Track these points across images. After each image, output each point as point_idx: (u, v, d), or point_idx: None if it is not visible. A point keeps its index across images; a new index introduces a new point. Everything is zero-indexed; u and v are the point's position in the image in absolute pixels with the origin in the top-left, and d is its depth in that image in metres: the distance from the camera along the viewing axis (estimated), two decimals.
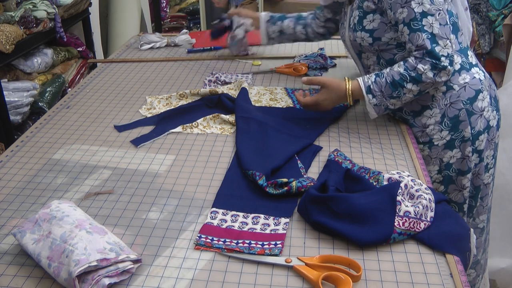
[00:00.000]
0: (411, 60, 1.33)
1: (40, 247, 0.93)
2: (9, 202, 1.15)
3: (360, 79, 1.39)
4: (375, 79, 1.37)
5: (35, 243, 0.94)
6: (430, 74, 1.31)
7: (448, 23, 1.33)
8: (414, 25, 1.31)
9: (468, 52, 1.47)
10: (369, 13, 1.41)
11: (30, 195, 1.18)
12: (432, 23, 1.30)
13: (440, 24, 1.31)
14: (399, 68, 1.35)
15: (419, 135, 1.48)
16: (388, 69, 1.37)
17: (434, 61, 1.31)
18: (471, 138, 1.44)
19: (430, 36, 1.31)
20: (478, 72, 1.46)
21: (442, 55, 1.31)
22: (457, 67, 1.42)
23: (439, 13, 1.31)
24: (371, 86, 1.37)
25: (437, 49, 1.31)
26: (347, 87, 1.40)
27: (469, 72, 1.44)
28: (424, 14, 1.30)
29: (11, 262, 0.97)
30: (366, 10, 1.42)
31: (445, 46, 1.31)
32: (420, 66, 1.32)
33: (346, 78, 1.42)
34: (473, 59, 1.48)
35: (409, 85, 1.33)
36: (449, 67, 1.32)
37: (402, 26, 1.34)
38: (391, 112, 1.51)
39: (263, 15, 1.87)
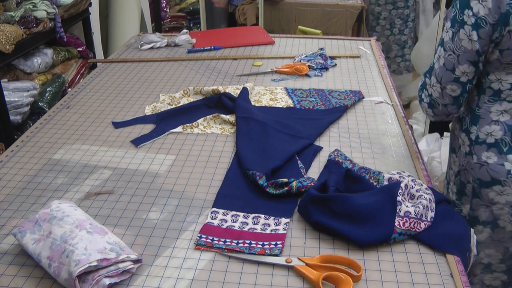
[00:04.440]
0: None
1: (40, 247, 0.93)
2: (9, 202, 1.15)
3: None
4: None
5: (36, 243, 0.94)
6: (419, 92, 1.27)
7: (456, 73, 1.15)
8: (436, 47, 1.24)
9: None
10: None
11: (30, 195, 1.18)
12: (439, 56, 1.19)
13: (443, 64, 1.17)
14: None
15: (447, 170, 1.39)
16: None
17: (420, 86, 1.26)
18: (467, 217, 1.29)
19: (431, 65, 1.22)
20: None
21: (426, 89, 1.23)
22: (490, 140, 1.20)
23: (449, 55, 1.16)
24: None
25: (426, 80, 1.23)
26: None
27: (501, 155, 1.19)
28: (441, 43, 1.19)
29: (12, 262, 0.97)
30: None
31: (433, 86, 1.20)
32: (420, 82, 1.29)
33: None
34: None
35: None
36: (425, 105, 1.24)
37: None
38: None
39: None
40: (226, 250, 0.98)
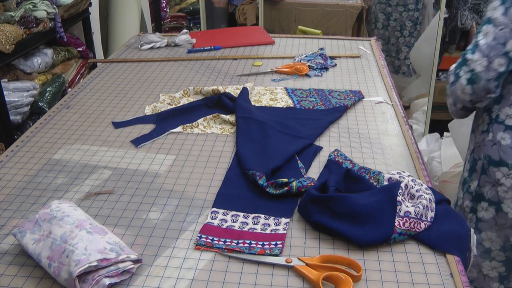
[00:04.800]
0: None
1: (40, 247, 0.93)
2: (9, 202, 1.15)
3: None
4: None
5: (35, 243, 0.94)
6: (451, 78, 1.23)
7: (508, 47, 1.17)
8: (479, 28, 1.22)
9: None
10: None
11: (30, 195, 1.18)
12: (487, 33, 1.18)
13: (493, 39, 1.17)
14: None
15: (468, 152, 1.40)
16: None
17: (457, 65, 1.21)
18: (474, 194, 1.31)
19: (474, 43, 1.20)
20: None
21: (466, 65, 1.19)
22: (509, 122, 1.24)
23: (501, 29, 1.17)
24: None
25: (468, 56, 1.20)
26: None
27: None
28: (488, 21, 1.19)
29: (11, 262, 0.97)
30: None
31: (476, 61, 1.18)
32: (452, 65, 1.24)
33: None
34: None
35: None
36: (462, 82, 1.19)
37: None
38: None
39: None
40: (226, 250, 0.98)
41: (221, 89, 1.66)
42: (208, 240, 1.01)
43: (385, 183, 1.09)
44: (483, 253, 1.38)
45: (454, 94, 1.23)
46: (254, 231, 1.04)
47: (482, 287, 1.42)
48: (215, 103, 1.60)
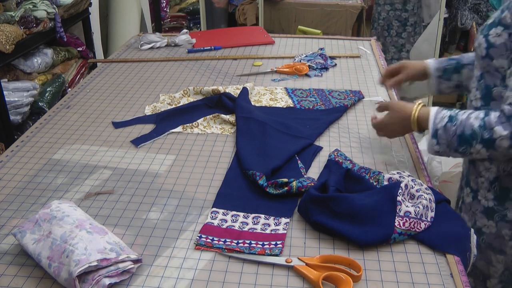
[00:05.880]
0: (493, 116, 1.06)
1: (40, 247, 0.93)
2: (9, 202, 1.15)
3: (432, 114, 1.16)
4: (445, 124, 1.13)
5: (36, 243, 0.94)
6: (506, 143, 1.04)
7: None
8: None
9: None
10: (501, 25, 1.12)
11: (30, 195, 1.18)
12: None
13: None
14: (475, 121, 1.09)
15: (472, 179, 1.27)
16: (465, 116, 1.11)
17: None
18: None
19: None
20: None
21: None
22: None
23: None
24: (439, 131, 1.13)
25: None
26: (413, 112, 1.20)
27: None
28: None
29: (12, 262, 0.97)
30: (501, 20, 1.12)
31: None
32: (498, 128, 1.05)
33: (417, 103, 1.22)
34: None
35: (478, 146, 1.08)
36: None
37: None
38: None
39: (433, 68, 1.46)
40: (226, 250, 0.98)
41: (221, 89, 1.66)
42: (208, 240, 1.01)
43: (385, 183, 1.10)
44: None
45: (509, 155, 1.09)
46: (254, 231, 1.04)
47: None
48: (215, 103, 1.60)
